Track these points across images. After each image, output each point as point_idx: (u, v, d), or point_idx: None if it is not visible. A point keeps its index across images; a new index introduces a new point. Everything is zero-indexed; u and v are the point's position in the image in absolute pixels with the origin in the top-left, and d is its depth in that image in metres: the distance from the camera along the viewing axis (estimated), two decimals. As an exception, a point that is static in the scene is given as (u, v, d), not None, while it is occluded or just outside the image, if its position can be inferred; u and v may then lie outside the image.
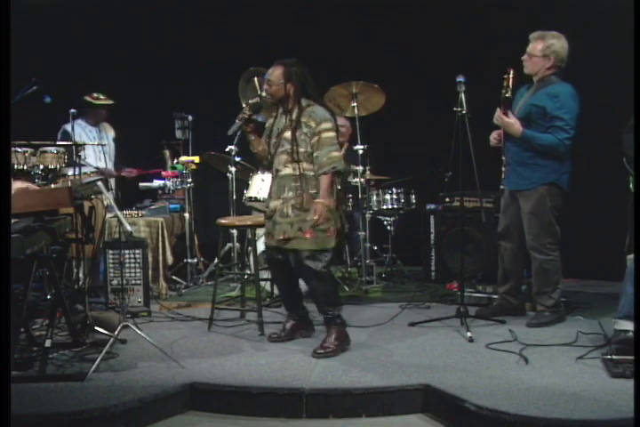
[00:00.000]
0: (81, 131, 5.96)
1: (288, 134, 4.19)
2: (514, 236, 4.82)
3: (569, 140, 4.58)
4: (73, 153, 5.18)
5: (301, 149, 4.16)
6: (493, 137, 4.79)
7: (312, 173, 4.17)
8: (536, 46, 4.61)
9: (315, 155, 4.15)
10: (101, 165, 6.05)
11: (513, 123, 4.58)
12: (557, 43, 4.59)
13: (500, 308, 4.93)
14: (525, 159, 4.66)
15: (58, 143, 5.30)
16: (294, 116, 4.19)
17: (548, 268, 4.69)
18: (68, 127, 5.79)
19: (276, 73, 4.21)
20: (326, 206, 4.12)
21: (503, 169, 4.83)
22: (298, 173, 4.16)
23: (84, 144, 5.41)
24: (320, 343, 4.20)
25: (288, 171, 4.20)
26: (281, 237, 4.18)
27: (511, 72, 4.54)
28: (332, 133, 4.16)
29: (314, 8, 6.59)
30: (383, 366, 3.93)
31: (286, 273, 4.40)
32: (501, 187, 4.91)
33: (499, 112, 4.62)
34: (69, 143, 5.22)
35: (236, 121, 4.34)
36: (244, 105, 5.97)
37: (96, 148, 6.05)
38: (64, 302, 4.13)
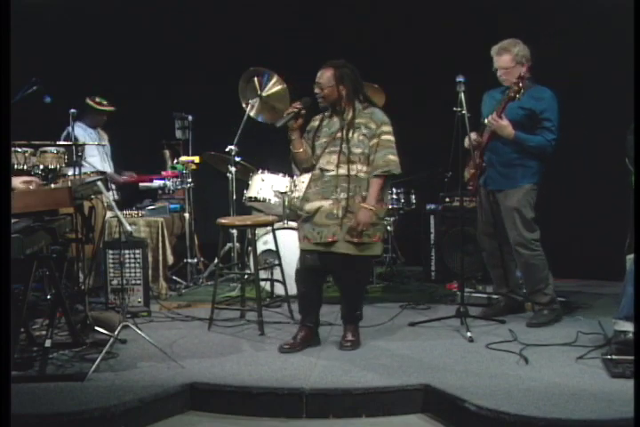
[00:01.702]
0: (83, 133, 5.96)
1: (343, 135, 4.12)
2: (502, 234, 4.85)
3: (555, 141, 4.64)
4: (73, 153, 5.17)
5: (358, 151, 4.10)
6: (474, 139, 4.76)
7: (365, 176, 4.12)
8: (505, 59, 4.64)
9: (372, 157, 4.10)
10: (107, 168, 6.07)
11: (506, 125, 4.60)
12: (520, 47, 4.64)
13: (507, 307, 4.96)
14: (512, 160, 4.70)
15: (58, 143, 5.30)
16: (349, 117, 4.14)
17: (535, 263, 4.71)
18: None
19: (326, 75, 4.14)
20: (372, 212, 4.04)
21: (471, 170, 4.83)
22: (352, 173, 4.09)
23: (84, 144, 5.41)
24: (343, 338, 4.24)
25: (341, 171, 4.10)
26: (329, 240, 4.06)
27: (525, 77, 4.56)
28: (391, 137, 4.13)
29: (314, 8, 6.58)
30: (383, 366, 3.93)
31: (319, 278, 4.29)
32: (469, 187, 4.91)
33: (494, 115, 4.62)
34: (69, 143, 5.22)
35: (284, 115, 4.22)
36: (243, 105, 6.00)
37: (100, 150, 6.07)
38: (64, 302, 4.13)
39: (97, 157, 6.07)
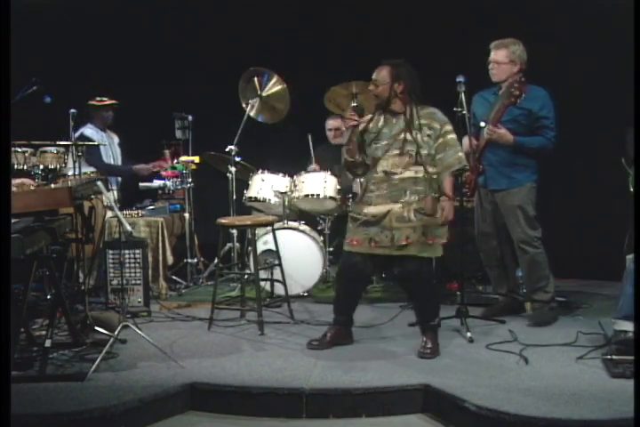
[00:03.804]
0: (96, 134, 5.96)
1: (408, 136, 4.07)
2: (502, 234, 4.86)
3: (555, 137, 4.66)
4: (80, 152, 5.15)
5: (424, 152, 4.06)
6: (474, 143, 4.74)
7: (434, 176, 4.10)
8: (501, 53, 4.66)
9: (439, 156, 4.09)
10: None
11: (505, 133, 4.61)
12: (520, 48, 4.66)
13: (507, 307, 4.96)
14: (513, 159, 4.71)
15: (58, 143, 5.29)
16: (411, 117, 4.10)
17: (540, 260, 4.73)
18: (86, 132, 5.82)
19: (382, 73, 4.12)
20: (453, 206, 4.10)
21: (467, 173, 4.84)
22: (421, 175, 4.07)
23: (84, 144, 5.40)
24: (424, 345, 4.13)
25: (409, 174, 4.06)
26: (404, 243, 4.02)
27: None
28: (455, 135, 4.15)
29: (314, 8, 6.58)
30: (383, 366, 3.93)
31: (364, 281, 4.42)
32: (465, 190, 4.91)
33: (490, 127, 4.61)
34: (69, 143, 5.21)
35: (345, 129, 4.20)
36: (243, 105, 5.99)
37: (109, 154, 6.07)
38: (64, 302, 4.13)
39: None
